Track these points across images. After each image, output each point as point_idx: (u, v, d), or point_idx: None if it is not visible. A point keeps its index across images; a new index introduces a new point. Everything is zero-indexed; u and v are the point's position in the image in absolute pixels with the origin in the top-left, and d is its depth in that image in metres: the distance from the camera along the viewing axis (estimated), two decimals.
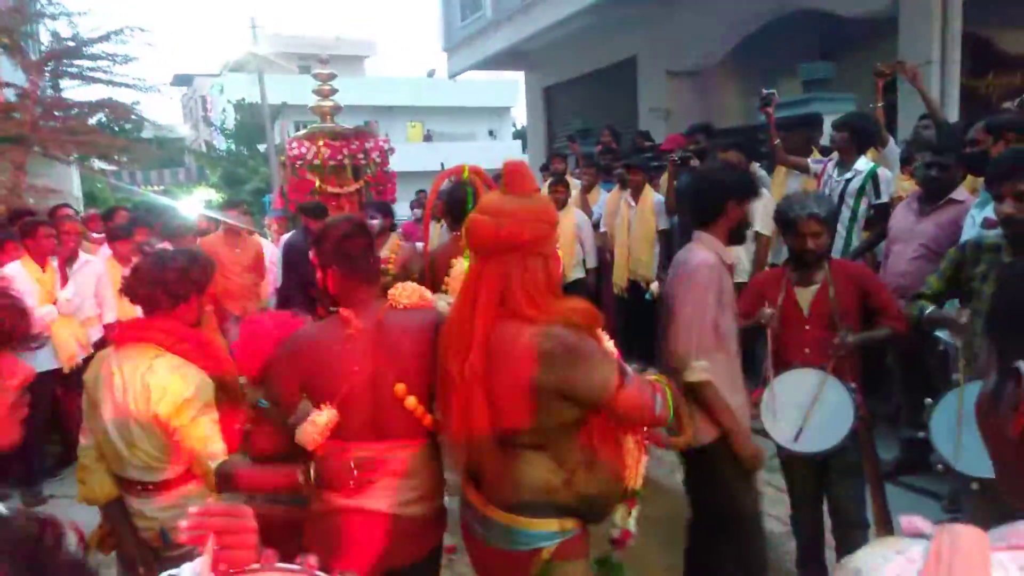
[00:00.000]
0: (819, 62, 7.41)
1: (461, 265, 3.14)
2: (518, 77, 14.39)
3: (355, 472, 2.05)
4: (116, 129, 11.78)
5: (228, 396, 2.35)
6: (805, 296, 2.92)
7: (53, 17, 10.75)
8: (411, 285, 2.31)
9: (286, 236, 6.68)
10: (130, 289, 2.34)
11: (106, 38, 10.75)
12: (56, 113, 10.80)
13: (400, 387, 2.07)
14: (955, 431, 2.47)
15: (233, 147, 23.82)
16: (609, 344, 1.97)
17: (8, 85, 10.30)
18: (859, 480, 2.95)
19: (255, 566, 0.90)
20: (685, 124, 7.45)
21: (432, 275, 3.46)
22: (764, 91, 5.04)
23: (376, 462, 2.07)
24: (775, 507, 4.04)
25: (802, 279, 2.94)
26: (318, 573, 0.86)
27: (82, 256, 5.20)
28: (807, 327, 2.89)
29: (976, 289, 2.70)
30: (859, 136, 4.64)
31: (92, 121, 11.35)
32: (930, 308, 2.74)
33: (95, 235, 7.21)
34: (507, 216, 1.84)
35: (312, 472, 2.05)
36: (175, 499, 2.26)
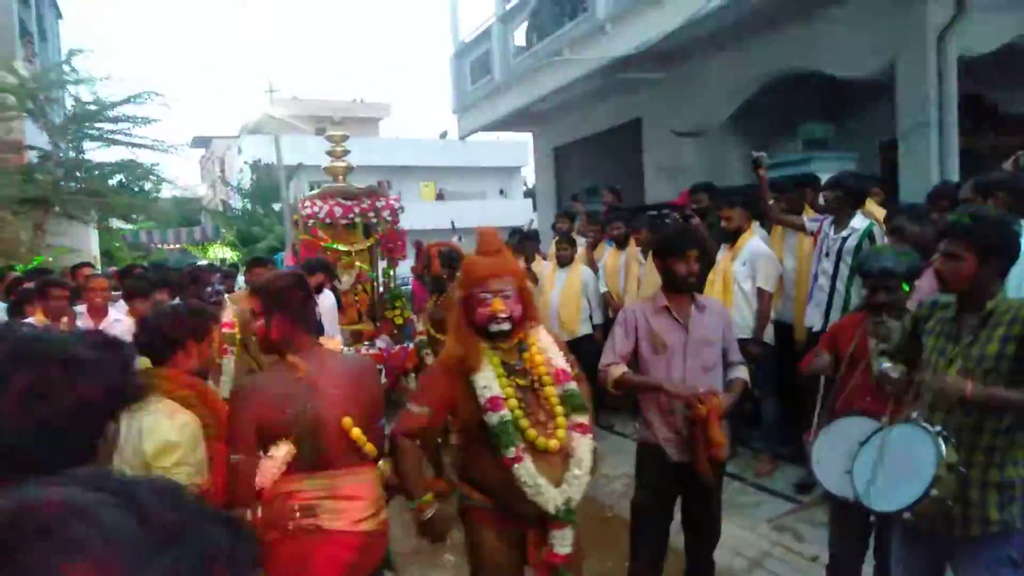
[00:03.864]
0: (818, 122, 7.51)
1: None
2: (528, 138, 14.68)
3: (297, 515, 2.27)
4: (136, 190, 12.05)
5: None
6: (878, 347, 2.87)
7: (76, 83, 11.15)
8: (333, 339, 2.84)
9: None
10: (136, 339, 2.47)
11: (126, 101, 11.12)
12: (77, 174, 11.11)
13: (347, 420, 2.35)
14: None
15: (249, 206, 24.23)
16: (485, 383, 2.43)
17: (32, 148, 10.63)
18: None
19: None
20: (691, 183, 7.56)
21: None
22: (755, 153, 5.15)
23: (317, 505, 2.29)
24: (781, 567, 3.96)
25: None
26: None
27: (112, 314, 5.16)
28: (872, 375, 2.83)
29: (924, 343, 2.54)
30: (851, 194, 4.68)
31: (112, 182, 11.63)
32: (886, 364, 2.65)
33: (112, 292, 7.32)
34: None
35: (258, 513, 2.25)
36: None
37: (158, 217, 14.13)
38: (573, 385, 2.50)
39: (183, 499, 0.64)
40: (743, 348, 5.18)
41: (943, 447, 2.25)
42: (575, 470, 2.40)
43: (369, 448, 2.41)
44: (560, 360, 2.53)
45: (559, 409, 2.43)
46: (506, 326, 2.44)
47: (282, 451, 2.25)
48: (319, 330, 2.90)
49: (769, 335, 5.24)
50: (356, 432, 2.35)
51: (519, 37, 11.58)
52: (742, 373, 3.24)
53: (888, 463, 2.41)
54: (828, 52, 6.99)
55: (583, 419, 2.47)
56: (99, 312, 5.11)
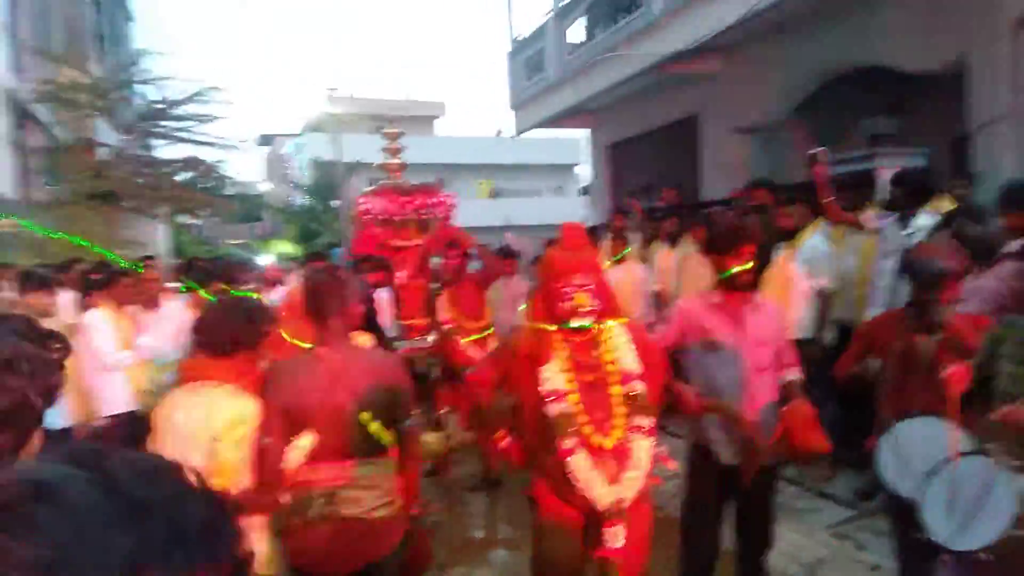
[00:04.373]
0: (882, 117, 7.25)
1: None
2: (584, 135, 14.58)
3: (318, 503, 2.34)
4: (201, 186, 12.41)
5: None
6: (929, 344, 2.81)
7: (145, 82, 11.57)
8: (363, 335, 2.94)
9: None
10: (196, 335, 2.51)
11: (189, 100, 11.48)
12: (146, 171, 11.51)
13: (365, 415, 2.38)
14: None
15: (309, 203, 24.72)
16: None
17: (103, 145, 11.05)
18: None
19: None
20: (749, 180, 7.38)
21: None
22: (811, 150, 4.99)
23: (336, 493, 2.37)
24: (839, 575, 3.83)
25: (928, 327, 2.85)
26: None
27: (165, 305, 5.33)
28: (928, 375, 2.74)
29: (999, 367, 2.45)
30: (915, 192, 4.52)
31: (179, 179, 12.01)
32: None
33: (172, 284, 7.56)
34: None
35: (287, 498, 2.34)
36: None
37: (222, 213, 14.53)
38: (639, 386, 2.50)
39: (160, 474, 0.63)
40: (801, 350, 5.08)
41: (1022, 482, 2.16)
42: (631, 471, 2.43)
43: (387, 439, 2.47)
44: (630, 361, 2.53)
45: (619, 409, 2.46)
46: (588, 320, 2.50)
47: (306, 440, 2.34)
48: (370, 326, 2.99)
49: (831, 336, 5.08)
50: (373, 426, 2.40)
51: (573, 34, 11.51)
52: (795, 375, 3.16)
53: (962, 499, 2.29)
54: (894, 44, 6.74)
55: (645, 422, 2.49)
56: (153, 303, 5.29)
